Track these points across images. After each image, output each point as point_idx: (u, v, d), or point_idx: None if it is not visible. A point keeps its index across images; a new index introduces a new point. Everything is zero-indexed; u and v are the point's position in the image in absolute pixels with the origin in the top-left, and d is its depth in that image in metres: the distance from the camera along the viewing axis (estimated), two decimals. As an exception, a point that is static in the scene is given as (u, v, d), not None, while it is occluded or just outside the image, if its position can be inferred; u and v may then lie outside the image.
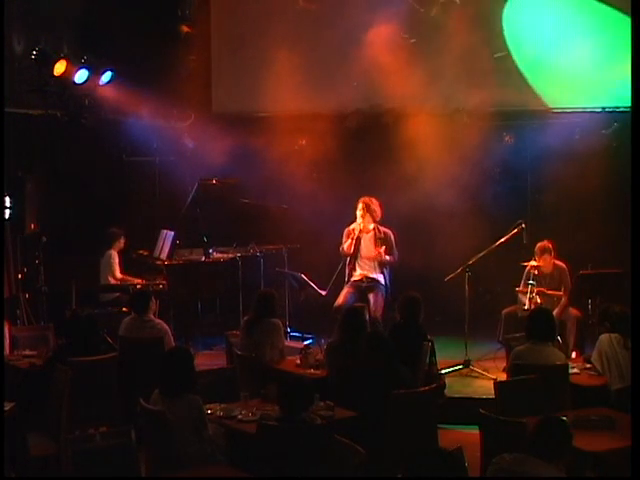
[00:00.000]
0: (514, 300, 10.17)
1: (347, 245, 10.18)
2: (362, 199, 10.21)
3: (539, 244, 10.09)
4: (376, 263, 10.17)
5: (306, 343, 9.44)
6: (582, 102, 11.91)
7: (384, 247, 10.10)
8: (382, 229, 10.23)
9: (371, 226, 10.19)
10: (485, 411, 6.34)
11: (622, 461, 5.63)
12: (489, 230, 10.79)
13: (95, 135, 11.78)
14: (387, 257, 10.12)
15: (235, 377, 8.13)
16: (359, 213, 10.17)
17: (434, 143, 11.51)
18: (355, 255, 10.20)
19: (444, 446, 6.43)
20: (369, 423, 6.70)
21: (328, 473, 5.71)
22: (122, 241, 11.14)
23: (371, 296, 10.05)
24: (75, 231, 11.83)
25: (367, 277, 10.18)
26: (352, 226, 10.20)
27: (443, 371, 8.83)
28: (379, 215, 10.19)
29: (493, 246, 10.11)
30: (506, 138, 12.13)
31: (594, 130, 11.21)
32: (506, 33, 12.13)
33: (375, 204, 10.18)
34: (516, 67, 12.04)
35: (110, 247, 11.06)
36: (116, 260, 11.03)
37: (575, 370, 7.82)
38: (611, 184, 11.28)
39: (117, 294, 10.90)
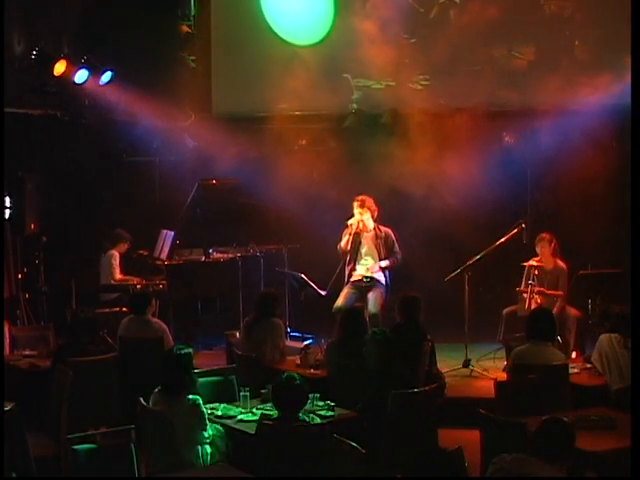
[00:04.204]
0: (514, 300, 10.17)
1: (344, 242, 10.16)
2: (357, 197, 10.22)
3: (539, 235, 10.11)
4: (377, 263, 10.17)
5: (306, 343, 9.44)
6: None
7: (379, 263, 10.11)
8: (383, 229, 10.22)
9: (371, 226, 10.19)
10: (485, 411, 6.34)
11: (622, 461, 5.63)
12: (489, 230, 10.79)
13: (95, 135, 11.79)
14: (387, 262, 10.12)
15: (235, 377, 8.13)
16: (356, 211, 10.16)
17: (434, 143, 11.50)
18: (356, 254, 10.20)
19: (444, 446, 6.45)
20: (369, 423, 6.70)
21: (328, 473, 5.71)
22: (126, 245, 11.13)
23: (370, 294, 10.03)
24: (75, 231, 11.83)
25: (367, 277, 10.17)
26: (350, 221, 10.18)
27: (443, 371, 8.82)
28: (375, 211, 10.19)
29: (493, 246, 10.11)
30: (506, 138, 12.13)
31: (594, 129, 11.20)
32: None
33: (370, 201, 10.17)
34: (514, 67, 12.05)
35: (113, 247, 11.05)
36: (117, 261, 11.03)
37: (575, 370, 7.82)
38: (611, 184, 11.27)
39: (117, 294, 10.90)
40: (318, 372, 7.99)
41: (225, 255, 11.39)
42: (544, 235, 10.10)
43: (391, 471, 6.55)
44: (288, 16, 12.36)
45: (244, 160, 11.67)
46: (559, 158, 11.55)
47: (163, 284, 10.87)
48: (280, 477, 5.90)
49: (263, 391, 7.04)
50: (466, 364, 9.73)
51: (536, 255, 10.09)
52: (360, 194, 10.29)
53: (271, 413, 6.46)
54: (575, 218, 11.36)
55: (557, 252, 10.10)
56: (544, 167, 11.92)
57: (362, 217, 10.13)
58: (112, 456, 5.79)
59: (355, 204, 10.16)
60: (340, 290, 10.17)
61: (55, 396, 7.29)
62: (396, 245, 10.20)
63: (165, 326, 8.98)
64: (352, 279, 10.21)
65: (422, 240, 11.57)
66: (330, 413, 6.65)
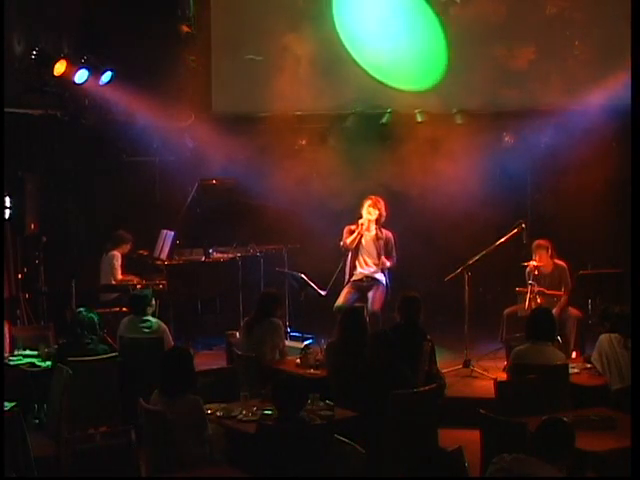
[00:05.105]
0: (514, 300, 10.17)
1: (350, 240, 10.15)
2: (371, 196, 10.21)
3: (535, 242, 10.10)
4: (377, 263, 10.17)
5: (306, 343, 9.44)
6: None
7: (383, 257, 10.08)
8: (384, 231, 10.21)
9: (373, 226, 10.19)
10: (485, 411, 6.34)
11: (622, 461, 5.63)
12: (489, 230, 10.79)
13: (95, 135, 11.78)
14: (387, 263, 10.12)
15: (235, 377, 8.13)
16: (368, 209, 10.13)
17: (434, 143, 11.52)
18: (356, 254, 10.19)
19: (444, 446, 6.44)
20: (369, 423, 6.70)
21: (328, 473, 5.71)
22: (129, 246, 11.14)
23: (370, 293, 10.04)
24: (75, 231, 11.83)
25: (367, 277, 10.18)
26: (360, 221, 10.17)
27: (443, 371, 8.82)
28: (384, 217, 10.19)
29: (493, 246, 10.11)
30: (506, 138, 12.14)
31: (594, 130, 11.21)
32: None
33: (382, 204, 10.18)
34: (514, 67, 12.05)
35: (115, 248, 11.05)
36: (119, 262, 11.03)
37: (575, 370, 7.82)
38: (611, 184, 11.28)
39: (117, 294, 10.90)
40: (318, 372, 7.98)
41: (225, 255, 11.40)
42: (540, 242, 10.06)
43: (391, 471, 6.56)
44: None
45: (244, 160, 11.67)
46: (559, 158, 11.56)
47: (163, 284, 10.86)
48: (280, 477, 5.90)
49: (263, 391, 7.04)
50: (466, 364, 9.73)
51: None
52: (360, 194, 10.31)
53: (271, 413, 6.46)
54: (575, 218, 11.38)
55: (555, 255, 10.09)
56: (544, 167, 11.93)
57: (371, 217, 10.13)
58: (112, 456, 5.79)
59: (368, 202, 10.14)
60: (340, 290, 10.17)
61: (55, 396, 7.29)
62: (394, 249, 10.19)
63: (165, 326, 8.98)
64: (352, 279, 10.22)
65: (422, 240, 11.58)
66: (330, 413, 6.65)
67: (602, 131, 11.27)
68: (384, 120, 12.22)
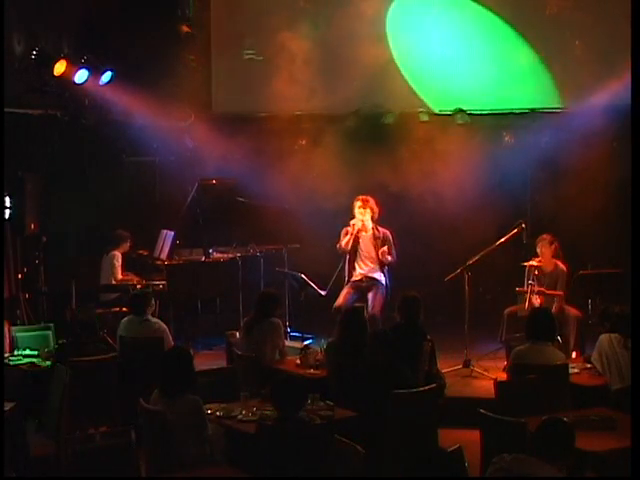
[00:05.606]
0: (514, 300, 10.17)
1: (345, 242, 10.16)
2: (359, 197, 10.22)
3: (540, 236, 10.09)
4: (376, 263, 10.16)
5: (306, 343, 9.44)
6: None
7: (386, 247, 10.07)
8: (381, 229, 10.21)
9: (370, 226, 10.19)
10: (485, 411, 6.34)
11: (622, 461, 5.63)
12: (489, 230, 10.79)
13: (95, 135, 11.78)
14: (389, 257, 10.11)
15: (235, 377, 8.13)
16: (359, 210, 10.15)
17: (434, 143, 11.52)
18: (355, 254, 10.19)
19: (444, 446, 6.44)
20: (369, 423, 6.70)
21: (328, 473, 5.71)
22: (128, 244, 11.15)
23: (370, 294, 10.04)
24: (75, 231, 11.83)
25: (367, 277, 10.18)
26: (352, 222, 10.19)
27: (443, 371, 8.82)
28: (377, 213, 10.19)
29: (493, 246, 10.10)
30: (506, 138, 12.14)
31: (594, 130, 11.21)
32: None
33: (372, 202, 10.19)
34: (516, 67, 12.05)
35: (115, 248, 11.05)
36: (120, 262, 11.04)
37: (575, 370, 7.82)
38: (611, 184, 11.28)
39: (117, 294, 10.90)
40: (318, 372, 7.99)
41: (225, 255, 11.39)
42: (545, 236, 10.08)
43: (391, 471, 6.55)
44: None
45: (244, 160, 11.67)
46: (559, 158, 11.56)
47: (163, 284, 10.87)
48: (280, 477, 5.90)
49: (263, 391, 7.04)
50: (466, 364, 9.73)
51: (537, 255, 10.07)
52: (362, 194, 10.30)
53: (271, 413, 6.46)
54: (575, 218, 11.36)
55: (558, 254, 10.07)
56: (544, 167, 11.92)
57: (363, 217, 10.14)
58: (112, 456, 5.79)
59: (357, 204, 10.16)
60: (340, 290, 10.17)
61: (55, 396, 7.29)
62: (393, 248, 10.19)
63: (165, 326, 8.98)
64: (352, 279, 10.21)
65: (422, 240, 11.58)
66: (330, 413, 6.65)
67: (602, 131, 11.27)
68: (385, 120, 12.22)
